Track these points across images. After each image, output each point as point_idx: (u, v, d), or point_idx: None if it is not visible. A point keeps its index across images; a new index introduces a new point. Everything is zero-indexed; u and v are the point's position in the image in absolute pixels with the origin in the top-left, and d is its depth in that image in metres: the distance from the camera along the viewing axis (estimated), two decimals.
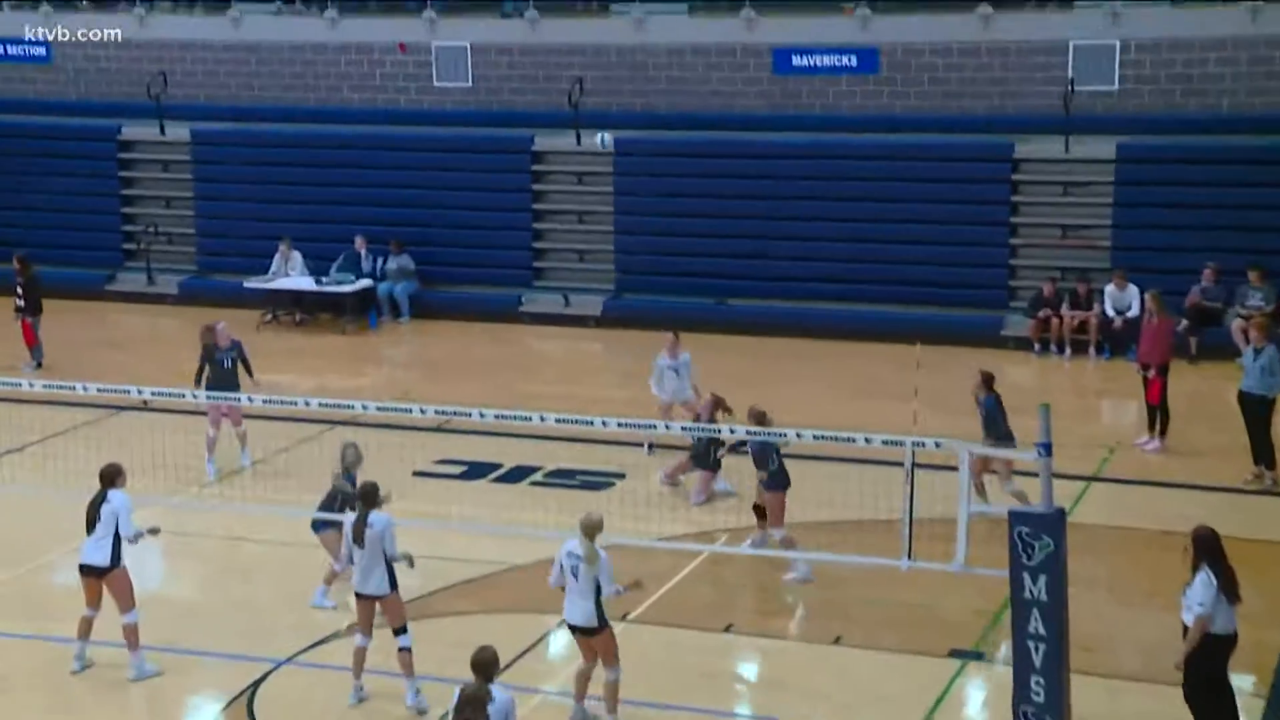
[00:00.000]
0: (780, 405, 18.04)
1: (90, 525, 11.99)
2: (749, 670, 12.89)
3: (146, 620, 12.23)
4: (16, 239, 24.56)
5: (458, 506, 15.55)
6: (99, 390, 14.38)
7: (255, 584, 14.39)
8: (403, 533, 14.64)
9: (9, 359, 20.98)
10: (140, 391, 14.37)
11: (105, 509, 11.99)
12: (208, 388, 16.51)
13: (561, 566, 11.18)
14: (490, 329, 23.76)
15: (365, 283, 24.19)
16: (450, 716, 9.21)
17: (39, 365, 21.05)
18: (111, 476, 12.16)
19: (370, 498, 11.78)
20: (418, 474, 16.66)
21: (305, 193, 25.50)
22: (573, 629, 11.23)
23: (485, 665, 9.37)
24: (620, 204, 24.39)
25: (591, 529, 11.13)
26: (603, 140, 23.21)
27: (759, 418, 13.92)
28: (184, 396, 15.60)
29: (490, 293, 24.59)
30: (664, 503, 16.07)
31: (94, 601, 12.12)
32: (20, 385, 15.24)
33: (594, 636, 11.13)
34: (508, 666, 12.25)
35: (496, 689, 9.29)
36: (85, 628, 12.13)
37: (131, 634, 12.05)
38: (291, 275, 24.34)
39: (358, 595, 11.73)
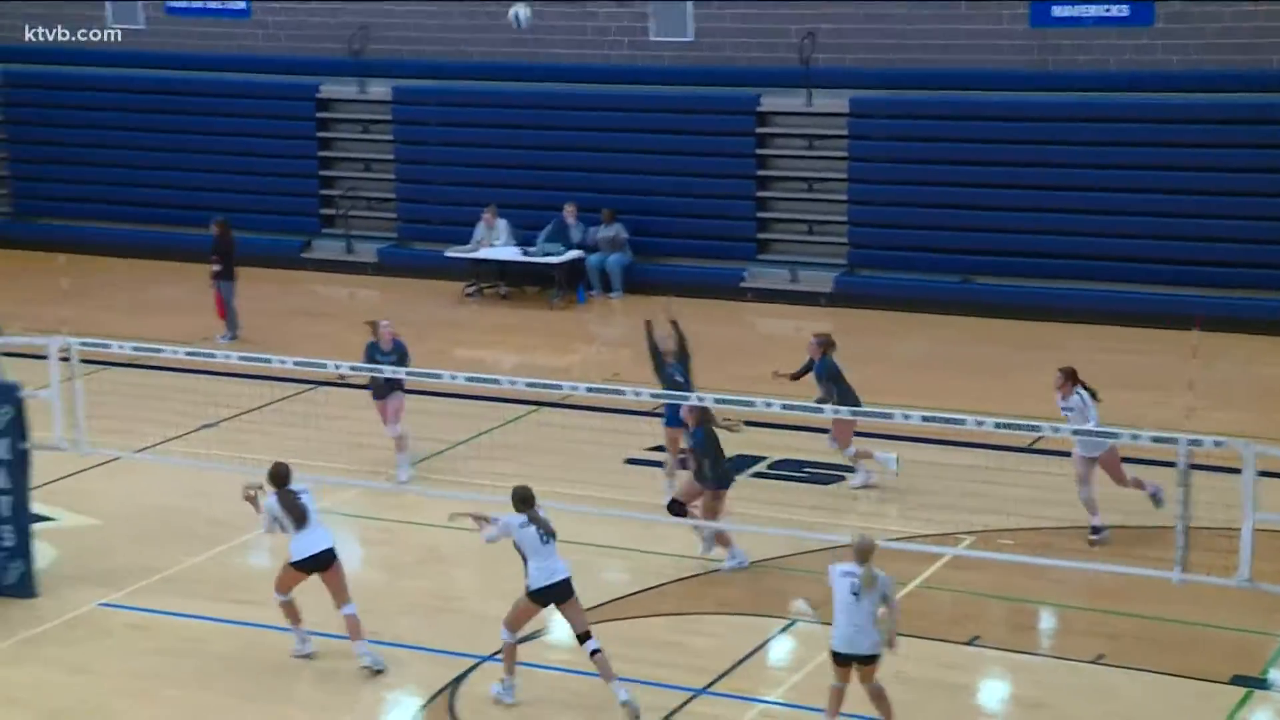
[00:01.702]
0: (1032, 396, 17.81)
1: (301, 519, 12.47)
2: (997, 687, 12.71)
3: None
4: (211, 203, 25.42)
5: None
6: (295, 364, 14.89)
7: (454, 574, 14.69)
8: (613, 524, 14.90)
9: (204, 329, 21.77)
10: (338, 366, 14.82)
11: (305, 499, 12.54)
12: (373, 391, 16.80)
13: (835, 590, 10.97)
14: (709, 306, 23.77)
15: (574, 254, 24.50)
16: None
17: (233, 337, 21.81)
18: (288, 475, 12.67)
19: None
20: (630, 461, 16.82)
21: (512, 156, 25.85)
22: (848, 659, 11.01)
23: None
24: (855, 171, 24.19)
25: (866, 552, 10.98)
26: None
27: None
28: (383, 373, 16.06)
29: (710, 267, 24.66)
30: (900, 500, 15.94)
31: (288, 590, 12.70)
32: (214, 357, 15.88)
33: (870, 665, 11.03)
34: (726, 674, 12.40)
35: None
36: (296, 612, 12.72)
37: (356, 624, 12.53)
38: (496, 245, 24.77)
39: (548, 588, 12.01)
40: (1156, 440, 12.81)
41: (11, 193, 28.51)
